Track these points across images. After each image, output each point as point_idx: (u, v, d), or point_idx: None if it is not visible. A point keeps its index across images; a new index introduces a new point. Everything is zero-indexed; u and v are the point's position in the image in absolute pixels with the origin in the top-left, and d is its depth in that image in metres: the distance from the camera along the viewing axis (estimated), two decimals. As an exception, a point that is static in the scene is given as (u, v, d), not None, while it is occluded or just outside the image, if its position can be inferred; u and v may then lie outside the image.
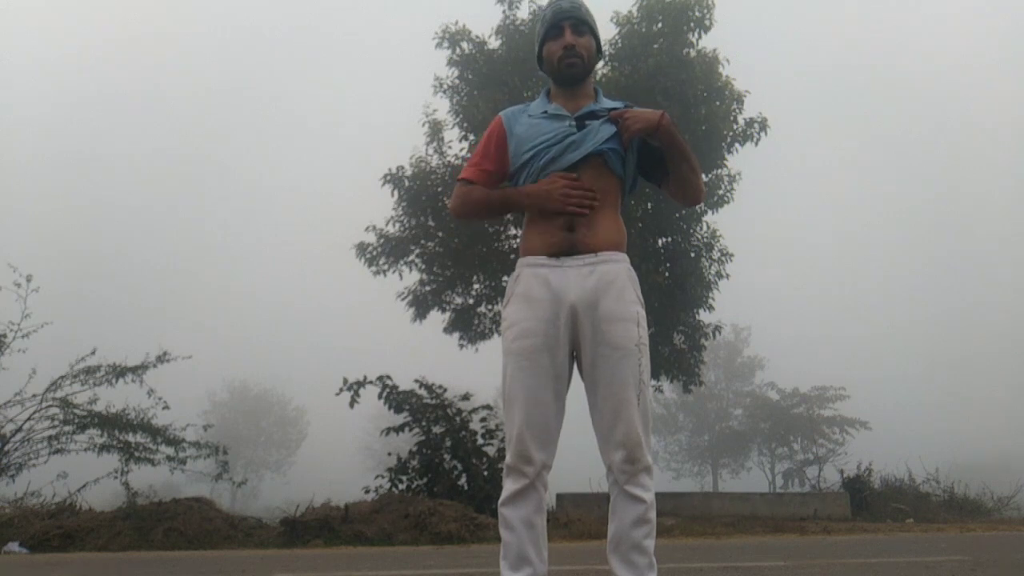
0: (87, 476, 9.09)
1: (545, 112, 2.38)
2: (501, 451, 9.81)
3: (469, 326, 14.04)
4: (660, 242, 13.40)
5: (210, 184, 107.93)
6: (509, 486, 2.24)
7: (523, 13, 12.72)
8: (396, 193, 13.02)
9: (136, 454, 9.14)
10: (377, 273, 13.52)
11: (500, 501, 2.26)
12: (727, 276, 13.55)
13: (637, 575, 2.18)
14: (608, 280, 2.25)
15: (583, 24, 2.38)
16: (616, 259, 2.29)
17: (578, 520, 9.03)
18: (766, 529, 9.62)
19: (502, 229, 13.16)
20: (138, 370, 9.54)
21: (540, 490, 2.25)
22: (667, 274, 12.98)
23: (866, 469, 14.21)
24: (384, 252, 13.32)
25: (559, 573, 4.55)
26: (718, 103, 12.65)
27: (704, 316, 13.73)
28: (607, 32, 12.92)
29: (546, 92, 2.47)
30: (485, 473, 9.61)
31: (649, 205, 13.33)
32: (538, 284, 2.26)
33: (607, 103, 2.41)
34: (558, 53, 2.37)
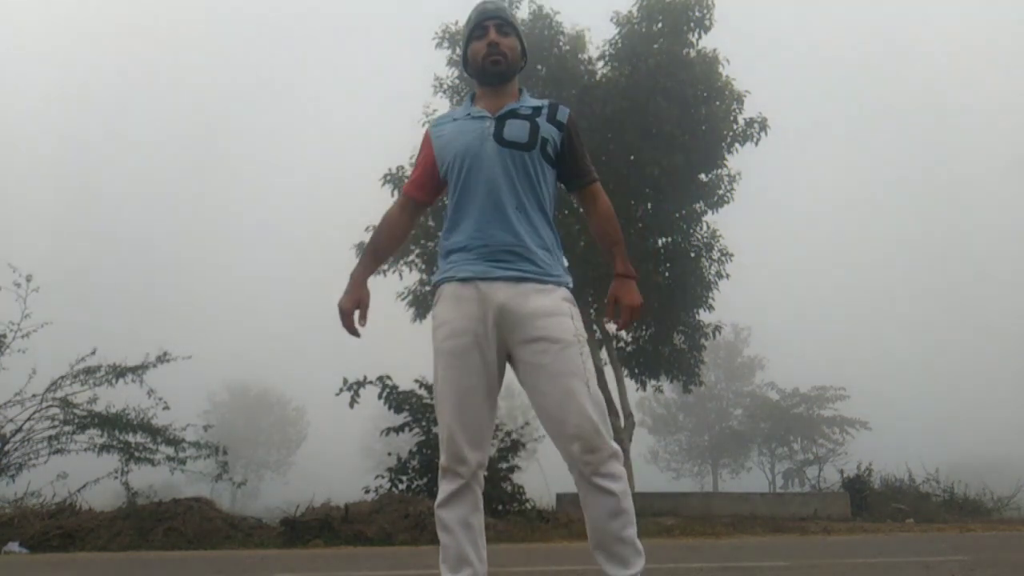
0: (87, 476, 9.09)
1: (468, 115, 2.40)
2: (501, 451, 9.82)
3: (469, 326, 14.04)
4: (660, 242, 13.40)
5: (210, 184, 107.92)
6: (445, 487, 2.23)
7: (523, 13, 12.72)
8: (396, 193, 13.02)
9: (136, 454, 9.14)
10: (377, 273, 13.51)
11: (436, 503, 2.26)
12: (727, 276, 13.56)
13: (625, 566, 2.14)
14: None
15: (507, 25, 2.42)
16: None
17: (578, 520, 9.01)
18: (766, 529, 9.62)
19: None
20: (138, 370, 9.55)
21: (476, 489, 2.25)
22: (667, 274, 12.98)
23: (866, 469, 14.22)
24: (384, 252, 13.31)
25: (559, 573, 4.55)
26: (718, 103, 12.65)
27: (704, 316, 13.74)
28: (607, 32, 12.94)
29: (471, 96, 2.48)
30: (485, 473, 9.62)
31: (649, 205, 13.34)
32: (463, 284, 2.26)
33: (531, 101, 2.42)
34: (482, 51, 2.38)
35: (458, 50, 13.08)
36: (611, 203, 2.49)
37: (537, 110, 2.38)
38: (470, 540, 2.21)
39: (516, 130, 2.32)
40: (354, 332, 2.41)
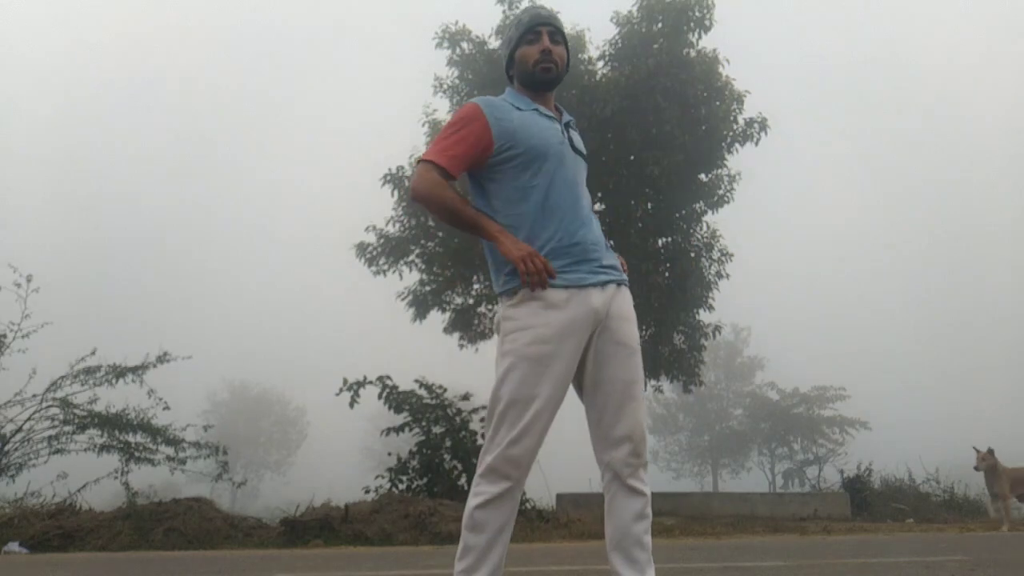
0: (87, 476, 9.09)
1: (536, 111, 2.35)
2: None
3: (469, 326, 14.04)
4: (660, 242, 13.41)
5: (210, 184, 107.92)
6: (489, 489, 2.15)
7: (523, 13, 12.71)
8: (396, 193, 13.02)
9: (136, 454, 9.14)
10: (377, 273, 13.52)
11: (476, 503, 2.16)
12: (727, 276, 13.56)
13: (639, 572, 2.17)
14: None
15: (559, 33, 2.43)
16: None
17: (578, 520, 9.03)
18: (766, 529, 9.62)
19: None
20: (138, 370, 9.54)
21: (518, 495, 2.22)
22: (667, 274, 12.99)
23: (866, 469, 14.23)
24: (384, 252, 13.33)
25: (559, 573, 4.55)
26: (718, 103, 12.65)
27: (704, 316, 13.75)
28: (607, 32, 12.94)
29: (513, 91, 2.43)
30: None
31: (649, 205, 13.33)
32: (559, 291, 2.20)
33: (565, 115, 2.50)
34: (534, 56, 2.35)
35: (458, 50, 13.08)
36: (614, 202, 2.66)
37: (570, 125, 2.49)
38: (500, 545, 2.17)
39: (578, 141, 2.45)
40: (550, 270, 2.17)
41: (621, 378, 2.24)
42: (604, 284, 2.26)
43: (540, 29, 2.38)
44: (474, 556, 2.14)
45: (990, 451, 10.23)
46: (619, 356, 2.25)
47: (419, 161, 2.35)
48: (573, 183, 2.32)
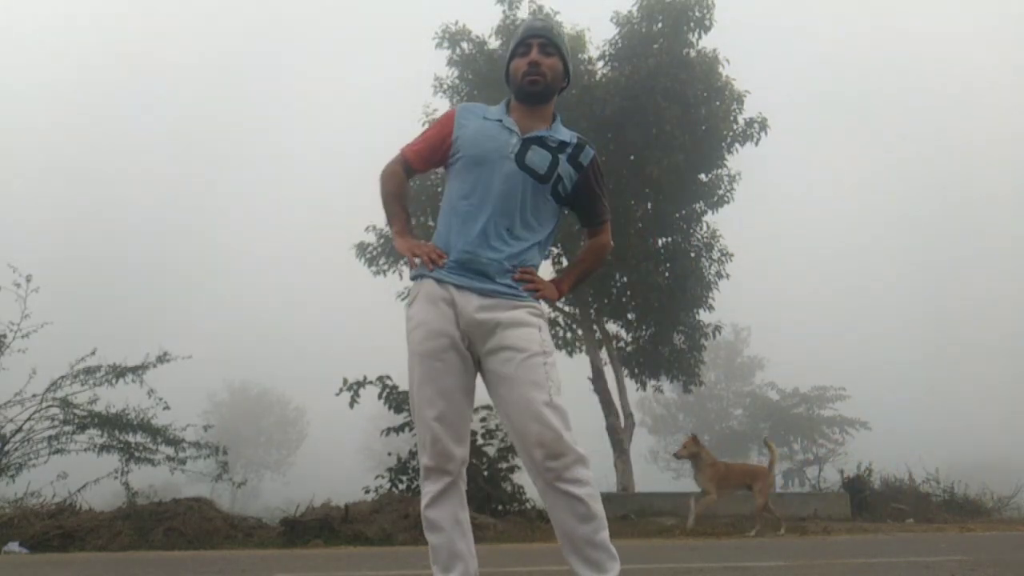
0: (87, 476, 9.09)
1: (500, 121, 2.38)
2: (501, 451, 9.82)
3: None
4: (660, 242, 13.41)
5: (209, 184, 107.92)
6: (431, 488, 2.23)
7: (523, 13, 12.72)
8: (396, 193, 13.01)
9: (136, 454, 9.15)
10: (377, 273, 13.52)
11: (423, 505, 2.24)
12: (727, 276, 13.55)
13: (601, 570, 2.12)
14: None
15: (552, 45, 2.39)
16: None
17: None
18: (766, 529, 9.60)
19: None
20: (138, 370, 9.55)
21: (461, 486, 2.26)
22: (667, 274, 12.99)
23: (866, 469, 14.19)
24: (384, 252, 13.32)
25: (559, 573, 4.54)
26: (718, 103, 12.65)
27: (704, 316, 13.75)
28: (607, 32, 12.94)
29: (506, 102, 2.46)
30: (485, 473, 9.61)
31: (649, 205, 13.34)
32: (442, 287, 2.28)
33: (563, 132, 2.43)
34: (523, 69, 2.36)
35: (458, 50, 13.08)
36: (610, 242, 2.59)
37: (563, 146, 2.39)
38: (461, 535, 2.22)
39: (538, 159, 2.33)
40: (436, 258, 2.29)
41: (516, 382, 2.18)
42: (489, 294, 2.24)
43: (531, 41, 2.39)
44: (444, 554, 2.20)
45: (694, 438, 8.83)
46: (511, 361, 2.20)
47: None
48: (497, 197, 2.29)
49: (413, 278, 2.38)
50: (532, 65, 2.35)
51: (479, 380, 2.35)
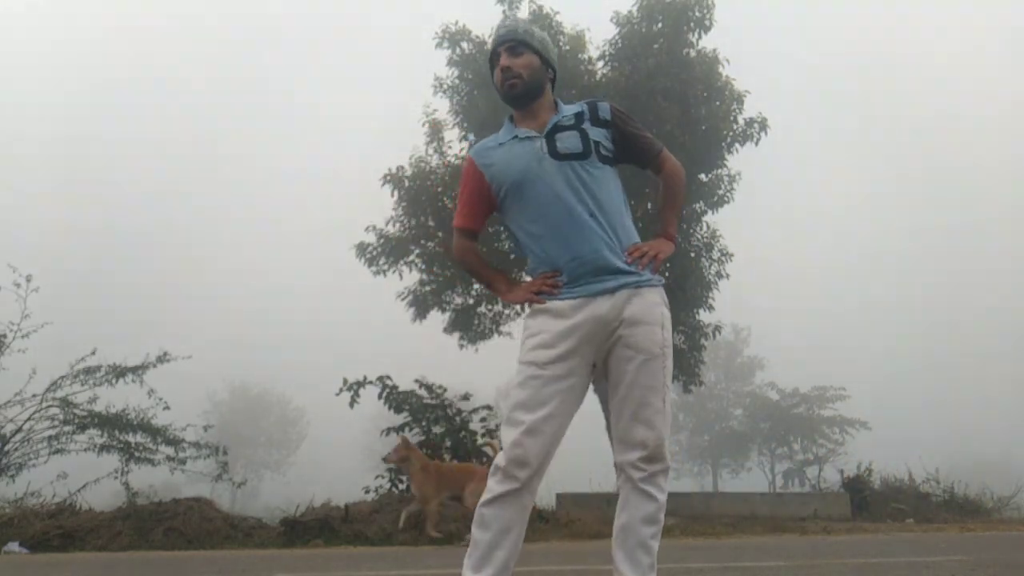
0: (87, 476, 9.09)
1: (515, 137, 2.39)
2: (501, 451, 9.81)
3: (469, 326, 14.03)
4: (660, 242, 13.39)
5: (210, 184, 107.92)
6: (495, 487, 2.19)
7: (523, 13, 12.72)
8: (396, 193, 13.01)
9: (136, 454, 9.14)
10: (377, 273, 13.51)
11: (483, 500, 2.21)
12: (727, 276, 13.54)
13: (639, 574, 2.17)
14: None
15: (519, 44, 2.39)
16: None
17: (578, 520, 9.02)
18: (766, 529, 9.61)
19: (502, 229, 13.17)
20: (138, 370, 9.54)
21: (526, 499, 2.21)
22: (667, 274, 12.98)
23: (866, 469, 14.20)
24: (384, 252, 13.32)
25: (559, 573, 4.55)
26: (718, 103, 12.65)
27: (704, 316, 13.72)
28: (607, 32, 12.94)
29: (509, 118, 2.48)
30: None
31: (649, 205, 13.32)
32: (565, 302, 2.25)
33: (569, 109, 2.43)
34: (499, 78, 2.40)
35: (458, 50, 13.09)
36: (679, 165, 2.54)
37: (580, 116, 2.39)
38: (507, 546, 2.17)
39: (568, 142, 2.33)
40: (554, 282, 2.28)
41: (635, 384, 2.21)
42: (614, 291, 2.24)
43: (499, 50, 2.42)
44: (480, 552, 2.16)
45: (404, 440, 7.87)
46: (634, 362, 2.22)
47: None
48: (560, 196, 2.28)
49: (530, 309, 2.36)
50: (504, 71, 2.38)
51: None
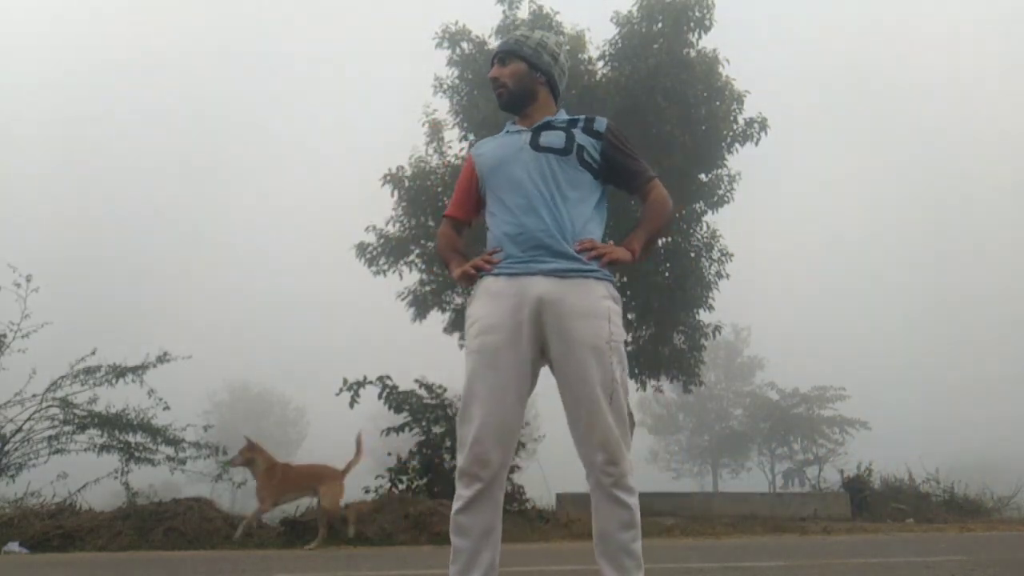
0: (87, 476, 9.08)
1: (507, 132, 2.51)
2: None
3: (469, 326, 14.03)
4: (660, 242, 13.38)
5: (210, 184, 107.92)
6: (463, 493, 2.17)
7: (523, 13, 12.72)
8: (396, 193, 13.01)
9: (136, 454, 9.13)
10: (377, 273, 13.51)
11: (454, 509, 2.19)
12: (727, 276, 13.54)
13: None
14: None
15: (508, 54, 2.49)
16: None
17: (578, 520, 9.02)
18: (766, 529, 9.62)
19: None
20: (138, 370, 9.53)
21: (497, 494, 2.20)
22: (667, 274, 12.98)
23: (866, 469, 14.21)
24: (384, 252, 13.31)
25: (559, 573, 4.55)
26: (718, 103, 12.64)
27: (704, 316, 13.71)
28: (607, 32, 12.93)
29: (511, 121, 2.56)
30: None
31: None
32: (503, 279, 2.26)
33: (564, 116, 2.48)
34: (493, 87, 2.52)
35: (458, 50, 13.09)
36: (667, 197, 2.49)
37: (572, 122, 2.44)
38: (488, 546, 2.17)
39: (551, 138, 2.38)
40: (489, 258, 2.32)
41: (582, 381, 2.16)
42: (553, 273, 2.21)
43: (492, 62, 2.55)
44: (464, 559, 2.16)
45: (249, 442, 7.60)
46: (577, 356, 2.16)
47: None
48: (526, 179, 2.31)
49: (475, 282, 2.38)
50: (492, 81, 2.51)
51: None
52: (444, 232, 2.59)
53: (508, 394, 2.19)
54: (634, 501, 2.18)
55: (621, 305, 2.31)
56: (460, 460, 2.19)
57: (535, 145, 2.37)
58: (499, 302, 2.23)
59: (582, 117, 2.46)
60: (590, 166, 2.37)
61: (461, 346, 14.27)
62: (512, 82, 2.46)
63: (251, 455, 7.37)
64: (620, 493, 2.16)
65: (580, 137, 2.38)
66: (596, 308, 2.21)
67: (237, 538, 7.28)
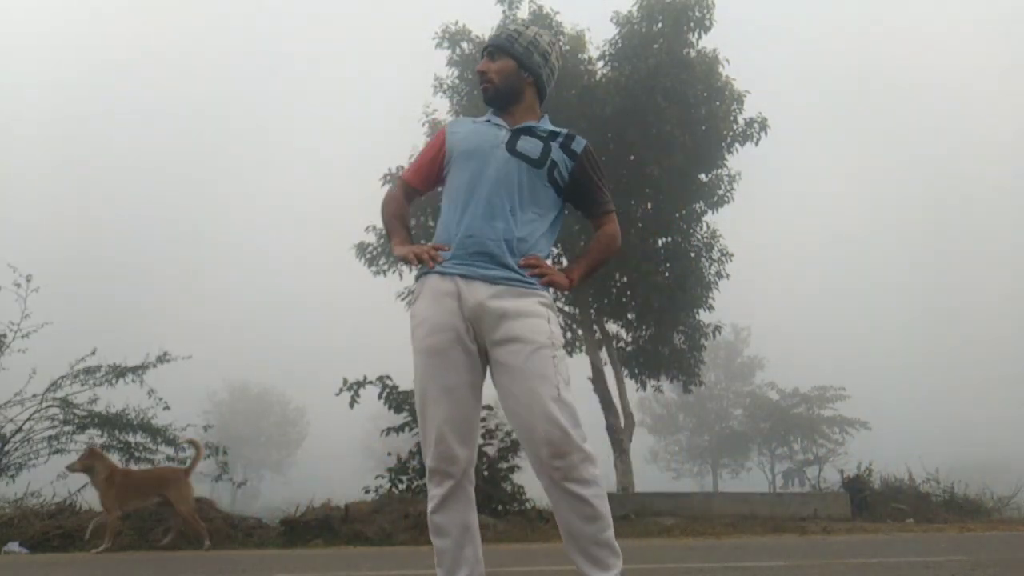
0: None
1: (488, 121, 2.46)
2: (501, 451, 9.81)
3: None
4: (660, 242, 13.40)
5: (210, 184, 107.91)
6: (436, 492, 2.19)
7: (523, 13, 12.72)
8: (396, 193, 13.02)
9: (136, 454, 9.14)
10: (377, 273, 13.51)
11: (430, 510, 2.20)
12: (727, 276, 13.54)
13: (604, 568, 2.11)
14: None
15: (498, 49, 2.45)
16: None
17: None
18: (766, 529, 9.60)
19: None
20: (138, 370, 9.54)
21: (468, 488, 2.22)
22: (667, 274, 12.98)
23: (866, 469, 14.19)
24: (384, 252, 13.32)
25: (559, 573, 4.54)
26: (718, 103, 12.64)
27: (704, 316, 13.73)
28: (607, 32, 12.93)
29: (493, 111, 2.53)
30: (485, 473, 9.60)
31: (649, 205, 13.33)
32: (447, 279, 2.26)
33: (549, 126, 2.46)
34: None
35: (458, 50, 13.10)
36: (618, 233, 2.52)
37: (553, 135, 2.42)
38: (468, 541, 2.19)
39: (529, 146, 2.36)
40: (435, 255, 2.28)
41: (523, 376, 2.14)
42: (495, 281, 2.21)
43: (483, 55, 2.51)
44: (449, 558, 2.17)
45: (90, 449, 7.47)
46: (519, 354, 2.15)
47: None
48: (492, 181, 2.29)
49: (417, 278, 2.37)
50: (479, 74, 2.47)
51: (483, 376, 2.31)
52: (394, 196, 2.51)
53: (462, 389, 2.21)
54: (591, 491, 2.10)
55: (558, 315, 2.34)
56: (427, 460, 2.21)
57: (511, 148, 2.34)
58: (442, 302, 2.23)
59: (563, 132, 2.44)
60: (556, 183, 2.37)
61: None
62: (499, 79, 2.43)
63: (90, 462, 7.17)
64: (572, 486, 2.10)
65: (556, 152, 2.37)
66: (534, 310, 2.22)
67: (87, 538, 7.13)
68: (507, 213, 2.27)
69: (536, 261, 2.29)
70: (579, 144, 2.43)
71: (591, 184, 2.45)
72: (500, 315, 2.18)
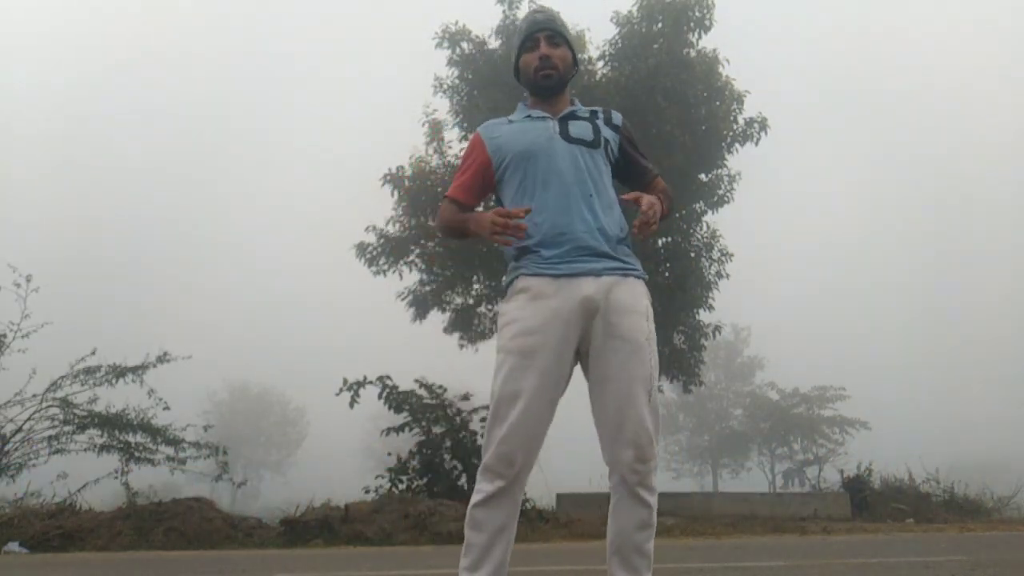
0: (87, 476, 9.09)
1: (528, 116, 2.39)
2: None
3: (469, 326, 14.03)
4: (660, 242, 13.39)
5: (210, 184, 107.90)
6: (484, 487, 2.16)
7: (523, 13, 12.72)
8: (396, 193, 13.02)
9: (136, 454, 9.14)
10: (377, 273, 13.52)
11: (473, 502, 2.18)
12: (727, 276, 13.54)
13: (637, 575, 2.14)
14: None
15: (558, 35, 2.39)
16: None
17: (578, 520, 9.03)
18: (766, 529, 9.61)
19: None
20: (138, 370, 9.54)
21: (516, 494, 2.19)
22: (667, 274, 12.97)
23: (866, 469, 14.20)
24: (384, 252, 13.32)
25: (559, 573, 4.55)
26: (718, 103, 12.65)
27: (704, 316, 13.71)
28: (607, 32, 12.94)
29: (524, 102, 2.47)
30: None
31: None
32: (545, 280, 2.19)
33: (582, 107, 2.44)
34: (534, 64, 2.37)
35: (458, 50, 13.08)
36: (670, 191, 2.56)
37: (594, 113, 2.42)
38: (501, 544, 2.16)
39: (580, 129, 2.34)
40: (518, 222, 2.14)
41: (621, 376, 2.14)
42: (599, 273, 2.18)
43: (538, 36, 2.39)
44: (476, 554, 2.15)
45: None
46: (620, 352, 2.15)
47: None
48: (562, 173, 2.25)
49: (508, 281, 2.28)
50: (543, 59, 2.35)
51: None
52: (448, 207, 2.40)
53: (542, 397, 2.16)
54: (655, 501, 2.18)
55: (672, 311, 2.34)
56: (485, 456, 2.18)
57: (565, 135, 2.31)
58: (540, 304, 2.16)
59: (599, 109, 2.44)
60: (609, 160, 2.37)
61: (461, 346, 14.28)
62: (563, 67, 2.38)
63: None
64: (644, 492, 2.16)
65: (604, 129, 2.37)
66: (638, 305, 2.22)
67: None
68: (591, 201, 2.25)
69: (643, 214, 2.19)
70: (617, 117, 2.45)
71: (636, 155, 2.48)
72: (608, 310, 2.16)
